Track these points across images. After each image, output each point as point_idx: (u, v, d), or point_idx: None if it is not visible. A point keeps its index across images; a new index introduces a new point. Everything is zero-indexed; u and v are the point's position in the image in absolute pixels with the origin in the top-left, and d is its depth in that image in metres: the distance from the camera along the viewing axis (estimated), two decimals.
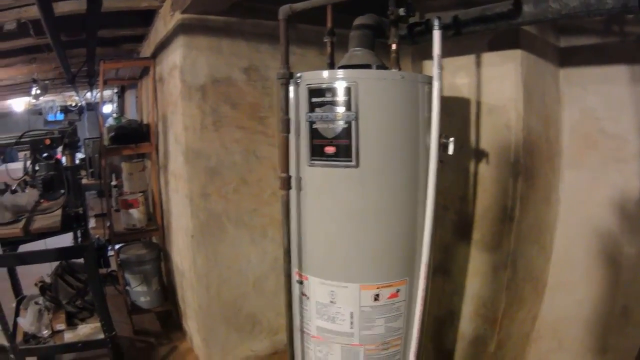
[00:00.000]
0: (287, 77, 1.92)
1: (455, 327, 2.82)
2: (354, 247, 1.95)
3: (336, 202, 1.93)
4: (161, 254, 3.74)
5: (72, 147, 3.07)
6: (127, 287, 3.65)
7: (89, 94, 5.15)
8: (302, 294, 2.10)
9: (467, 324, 2.77)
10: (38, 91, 4.77)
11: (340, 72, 1.86)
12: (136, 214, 3.55)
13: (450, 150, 1.90)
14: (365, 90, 1.81)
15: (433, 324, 2.88)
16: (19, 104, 8.75)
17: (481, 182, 2.53)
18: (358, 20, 2.10)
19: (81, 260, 3.01)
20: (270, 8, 2.09)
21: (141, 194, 3.68)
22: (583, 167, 2.53)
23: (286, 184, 1.97)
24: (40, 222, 2.86)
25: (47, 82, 4.82)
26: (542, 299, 2.80)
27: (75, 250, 3.10)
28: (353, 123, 1.81)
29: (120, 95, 6.02)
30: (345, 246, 1.96)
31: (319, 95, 1.87)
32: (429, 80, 1.90)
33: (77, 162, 3.37)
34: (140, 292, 3.60)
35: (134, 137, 3.57)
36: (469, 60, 2.50)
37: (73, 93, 5.58)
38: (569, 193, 2.61)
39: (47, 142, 3.00)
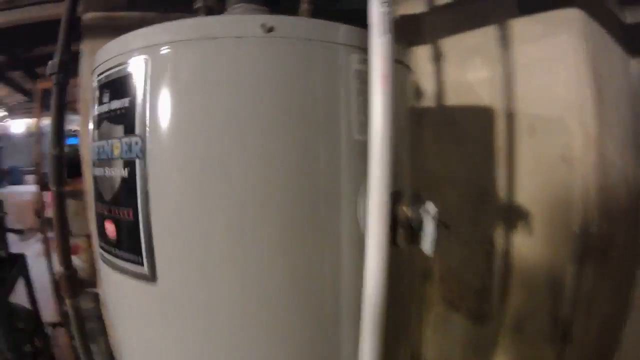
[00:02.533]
0: (62, 71, 0.75)
1: None
2: None
3: (141, 346, 0.70)
4: None
5: None
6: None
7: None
8: None
9: None
10: (5, 113, 3.98)
11: (128, 39, 0.65)
12: (78, 261, 2.48)
13: (428, 241, 0.60)
14: (167, 75, 0.60)
15: None
16: (18, 126, 6.87)
17: (517, 266, 1.15)
18: None
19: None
20: None
21: (86, 237, 2.59)
22: None
23: (67, 286, 0.81)
24: None
25: (14, 103, 3.98)
26: None
27: None
28: (138, 165, 0.58)
29: None
30: None
31: (101, 100, 0.68)
32: (362, 44, 0.60)
33: None
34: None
35: (69, 169, 2.50)
36: (487, 36, 1.14)
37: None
38: None
39: None
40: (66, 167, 2.40)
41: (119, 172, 0.61)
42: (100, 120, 0.67)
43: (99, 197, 0.67)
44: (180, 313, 0.61)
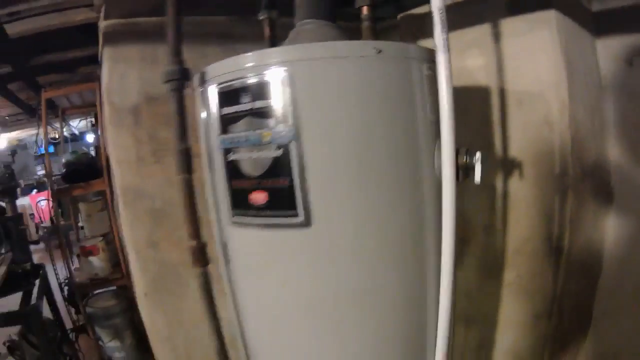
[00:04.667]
0: (179, 77, 0.96)
1: None
2: (319, 353, 0.98)
3: (281, 285, 0.97)
4: (133, 304, 2.80)
5: (9, 193, 2.21)
6: (100, 342, 2.73)
7: (73, 124, 4.28)
8: None
9: None
10: None
11: (265, 55, 0.90)
12: (97, 261, 2.62)
13: (478, 176, 0.93)
14: (310, 82, 0.86)
15: None
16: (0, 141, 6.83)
17: (514, 204, 1.52)
18: None
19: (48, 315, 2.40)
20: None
21: (102, 238, 2.74)
22: (636, 169, 1.51)
23: (199, 257, 1.01)
24: None
25: (7, 118, 3.97)
26: (586, 334, 1.80)
27: (18, 316, 2.19)
28: (292, 146, 0.85)
29: (94, 124, 5.02)
30: (306, 351, 0.99)
31: (234, 102, 0.91)
32: (429, 56, 0.93)
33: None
34: (114, 348, 2.68)
35: (86, 173, 2.64)
36: (482, 32, 1.49)
37: (57, 125, 4.62)
38: (619, 204, 1.59)
39: None
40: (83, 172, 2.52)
41: (271, 153, 0.86)
42: (236, 117, 0.92)
43: (240, 174, 0.91)
44: (327, 242, 0.89)
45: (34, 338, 2.48)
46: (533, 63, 1.37)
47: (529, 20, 1.38)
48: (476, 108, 1.53)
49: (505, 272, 1.57)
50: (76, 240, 3.42)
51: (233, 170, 0.93)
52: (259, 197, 0.90)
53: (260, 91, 0.87)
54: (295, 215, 0.87)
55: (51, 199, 2.86)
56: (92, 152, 3.36)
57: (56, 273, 3.19)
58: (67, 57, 2.86)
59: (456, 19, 1.52)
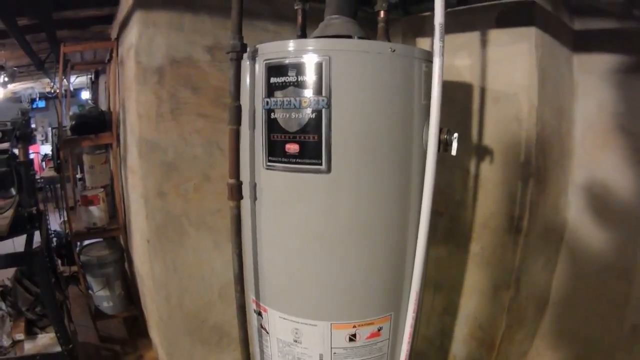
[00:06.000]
0: (239, 50, 1.28)
1: (446, 349, 2.23)
2: (323, 277, 1.34)
3: (301, 219, 1.31)
4: (124, 255, 3.09)
5: (24, 139, 2.44)
6: (90, 291, 3.01)
7: (65, 81, 4.43)
8: (261, 327, 1.50)
9: (459, 347, 2.18)
10: (6, 79, 4.12)
11: (308, 42, 1.24)
12: (97, 211, 2.89)
13: (454, 149, 1.30)
14: (341, 67, 1.20)
15: (419, 344, 2.29)
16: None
17: (483, 184, 1.92)
18: None
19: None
20: None
21: (102, 189, 3.01)
22: (598, 169, 1.91)
23: (236, 192, 1.34)
24: None
25: (15, 69, 4.14)
26: (543, 315, 2.21)
27: (22, 257, 2.43)
28: (324, 112, 1.20)
29: (94, 81, 5.27)
30: (312, 275, 1.35)
31: (280, 74, 1.24)
32: (427, 57, 1.30)
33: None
34: (103, 297, 2.97)
35: (95, 126, 2.89)
36: (472, 38, 1.86)
37: (54, 79, 4.82)
38: (580, 197, 2.00)
39: None
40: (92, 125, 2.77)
41: (306, 115, 1.19)
42: (281, 85, 1.23)
43: (279, 129, 1.23)
44: (341, 186, 1.24)
45: (28, 283, 2.73)
46: (511, 69, 1.74)
47: (513, 33, 1.75)
48: (460, 100, 1.92)
49: (471, 244, 1.96)
50: (72, 192, 3.65)
51: (273, 125, 1.26)
52: (292, 148, 1.24)
53: (303, 68, 1.21)
54: (320, 163, 1.21)
55: (59, 150, 3.05)
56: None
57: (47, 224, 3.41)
58: (80, 15, 3.09)
59: (451, 24, 1.88)
